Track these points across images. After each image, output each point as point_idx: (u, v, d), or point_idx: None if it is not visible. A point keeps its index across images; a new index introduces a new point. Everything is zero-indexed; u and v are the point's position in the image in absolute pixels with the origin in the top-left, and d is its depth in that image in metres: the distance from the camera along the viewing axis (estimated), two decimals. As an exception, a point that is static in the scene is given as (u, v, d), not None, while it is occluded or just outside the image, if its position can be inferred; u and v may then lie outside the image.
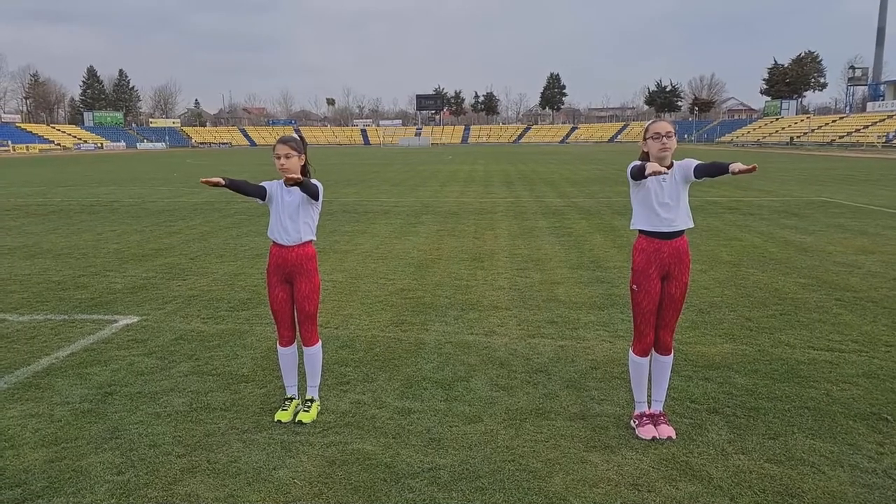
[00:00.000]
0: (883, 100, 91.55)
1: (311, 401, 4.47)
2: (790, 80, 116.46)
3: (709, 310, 6.82)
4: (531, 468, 3.70)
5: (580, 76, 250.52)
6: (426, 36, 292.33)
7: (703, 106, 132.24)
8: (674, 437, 4.03)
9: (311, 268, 4.29)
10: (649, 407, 4.21)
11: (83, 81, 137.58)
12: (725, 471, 3.65)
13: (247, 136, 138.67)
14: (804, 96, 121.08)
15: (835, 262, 9.16)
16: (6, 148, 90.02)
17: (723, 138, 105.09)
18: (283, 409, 4.40)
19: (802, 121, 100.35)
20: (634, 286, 4.06)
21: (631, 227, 4.11)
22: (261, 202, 4.29)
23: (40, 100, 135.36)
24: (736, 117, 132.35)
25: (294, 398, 4.51)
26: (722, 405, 4.49)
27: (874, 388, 4.76)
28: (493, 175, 30.20)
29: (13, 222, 14.64)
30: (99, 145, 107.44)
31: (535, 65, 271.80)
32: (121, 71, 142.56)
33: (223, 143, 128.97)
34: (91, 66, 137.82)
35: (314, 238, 4.31)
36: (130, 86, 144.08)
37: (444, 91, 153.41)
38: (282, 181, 4.26)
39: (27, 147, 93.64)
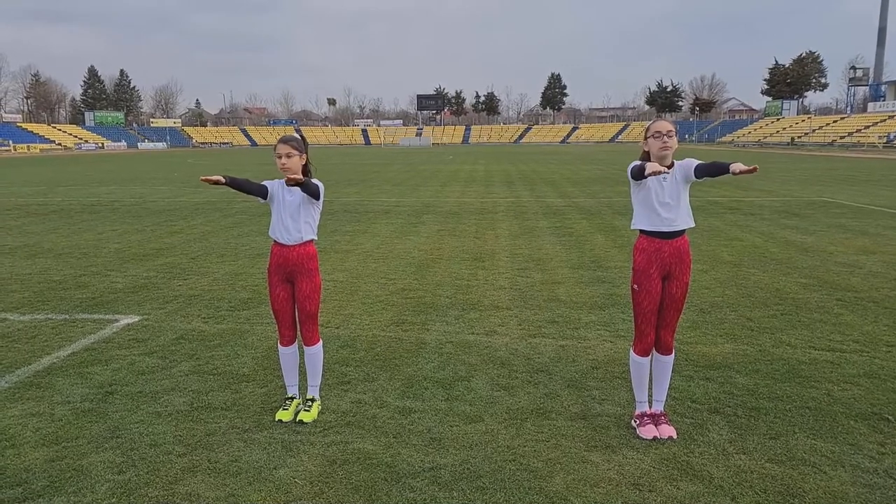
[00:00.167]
0: (884, 100, 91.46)
1: (312, 400, 4.47)
2: (791, 81, 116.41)
3: (710, 310, 6.82)
4: (532, 468, 3.70)
5: (581, 76, 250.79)
6: (427, 36, 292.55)
7: (703, 106, 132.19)
8: (675, 436, 4.02)
9: (312, 267, 4.29)
10: (650, 407, 4.21)
11: (84, 81, 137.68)
12: (726, 471, 3.64)
13: (248, 136, 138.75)
14: (805, 96, 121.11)
15: (836, 263, 9.16)
16: (7, 148, 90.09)
17: (723, 138, 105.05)
18: (284, 409, 4.40)
19: (803, 121, 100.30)
20: (635, 286, 4.06)
21: (632, 227, 4.11)
22: (262, 201, 4.30)
23: (41, 100, 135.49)
24: (737, 117, 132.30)
25: (295, 398, 4.51)
26: (723, 405, 4.49)
27: (875, 388, 4.76)
28: (493, 175, 30.20)
29: (14, 222, 14.65)
30: (100, 145, 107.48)
31: (536, 65, 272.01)
32: (122, 71, 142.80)
33: (224, 143, 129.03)
34: (92, 66, 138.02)
35: (315, 237, 4.31)
36: (131, 86, 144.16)
37: (445, 91, 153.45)
38: (283, 181, 4.26)
39: (28, 147, 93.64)
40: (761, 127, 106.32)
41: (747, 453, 3.83)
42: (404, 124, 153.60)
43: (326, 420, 4.35)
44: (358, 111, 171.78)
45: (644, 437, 4.03)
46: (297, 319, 4.43)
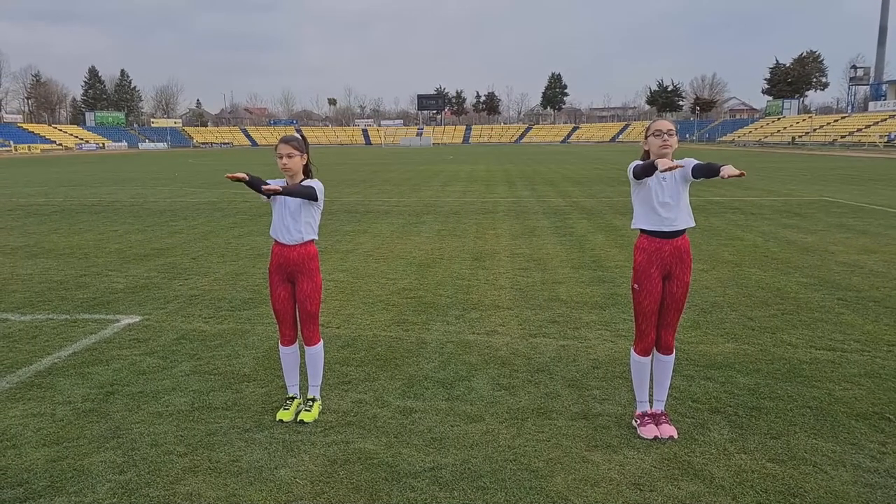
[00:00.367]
0: (885, 99, 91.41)
1: (313, 400, 4.47)
2: (792, 80, 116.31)
3: (710, 309, 6.82)
4: (533, 467, 3.70)
5: (581, 76, 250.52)
6: (427, 36, 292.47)
7: (704, 106, 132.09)
8: (675, 436, 4.02)
9: (312, 267, 4.29)
10: (651, 406, 4.21)
11: (85, 81, 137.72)
12: (727, 470, 3.64)
13: (248, 136, 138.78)
14: (806, 96, 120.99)
15: (837, 262, 9.15)
16: (8, 148, 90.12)
17: (724, 138, 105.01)
18: (285, 409, 4.40)
19: (804, 120, 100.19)
20: (636, 285, 4.06)
21: (632, 227, 4.11)
22: (265, 199, 4.29)
23: (42, 100, 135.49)
24: (737, 117, 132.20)
25: (296, 397, 4.51)
26: (724, 405, 4.49)
27: (876, 387, 4.75)
28: (494, 175, 30.20)
29: (15, 222, 14.66)
30: (101, 145, 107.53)
31: (537, 64, 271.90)
32: (122, 71, 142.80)
33: (225, 143, 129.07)
34: (93, 66, 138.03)
35: (316, 237, 4.31)
36: (132, 86, 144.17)
37: (446, 91, 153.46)
38: (284, 181, 4.27)
39: (29, 147, 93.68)
40: (762, 126, 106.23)
41: (748, 453, 3.83)
42: (405, 124, 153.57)
43: (327, 420, 4.35)
44: (358, 111, 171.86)
45: (645, 436, 4.03)
46: (297, 319, 4.43)
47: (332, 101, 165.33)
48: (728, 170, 3.50)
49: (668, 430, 4.05)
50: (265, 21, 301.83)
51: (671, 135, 3.89)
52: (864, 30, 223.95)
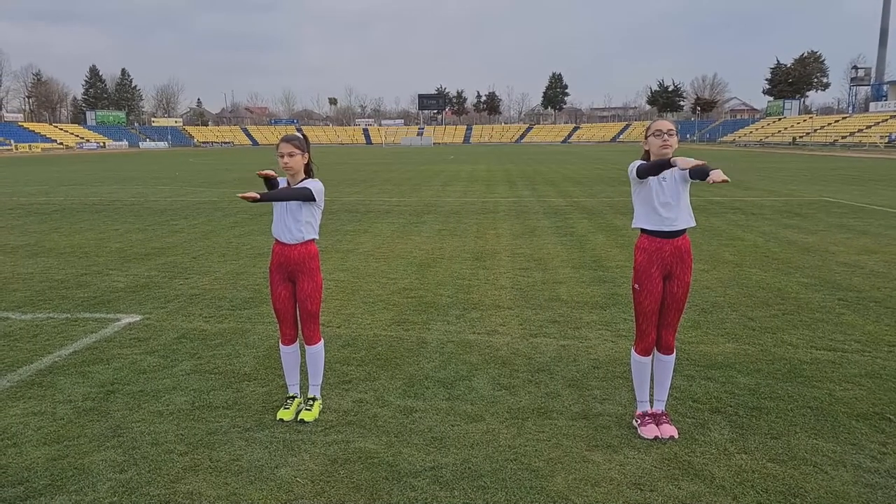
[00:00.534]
0: (886, 100, 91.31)
1: (314, 399, 4.47)
2: (793, 80, 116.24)
3: (711, 309, 6.82)
4: (533, 467, 3.70)
5: (581, 76, 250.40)
6: (428, 35, 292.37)
7: (705, 106, 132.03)
8: (676, 436, 4.02)
9: (313, 266, 4.29)
10: (651, 406, 4.21)
11: (85, 81, 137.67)
12: (728, 470, 3.64)
13: (249, 135, 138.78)
14: (807, 96, 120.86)
15: (837, 262, 9.15)
16: (9, 147, 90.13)
17: (725, 138, 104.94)
18: (286, 408, 4.40)
19: (805, 121, 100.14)
20: (636, 285, 4.06)
21: (632, 226, 4.11)
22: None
23: (43, 99, 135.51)
24: (738, 117, 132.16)
25: (296, 397, 4.52)
26: (724, 405, 4.49)
27: (877, 387, 4.75)
28: (495, 175, 30.20)
29: (16, 221, 14.67)
30: (101, 144, 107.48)
31: (537, 64, 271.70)
32: (123, 70, 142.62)
33: (225, 143, 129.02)
34: (93, 66, 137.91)
35: (316, 237, 4.31)
36: (133, 85, 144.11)
37: (447, 91, 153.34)
38: (285, 179, 4.27)
39: (30, 146, 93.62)
40: (763, 127, 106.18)
41: (749, 453, 3.83)
42: (406, 124, 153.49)
43: (328, 419, 4.35)
44: (359, 111, 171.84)
45: (645, 436, 4.03)
46: (298, 319, 4.43)
47: (333, 101, 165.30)
48: (716, 174, 3.54)
49: (669, 430, 4.05)
50: (265, 21, 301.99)
51: (671, 135, 3.90)
52: (864, 30, 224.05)
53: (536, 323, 6.45)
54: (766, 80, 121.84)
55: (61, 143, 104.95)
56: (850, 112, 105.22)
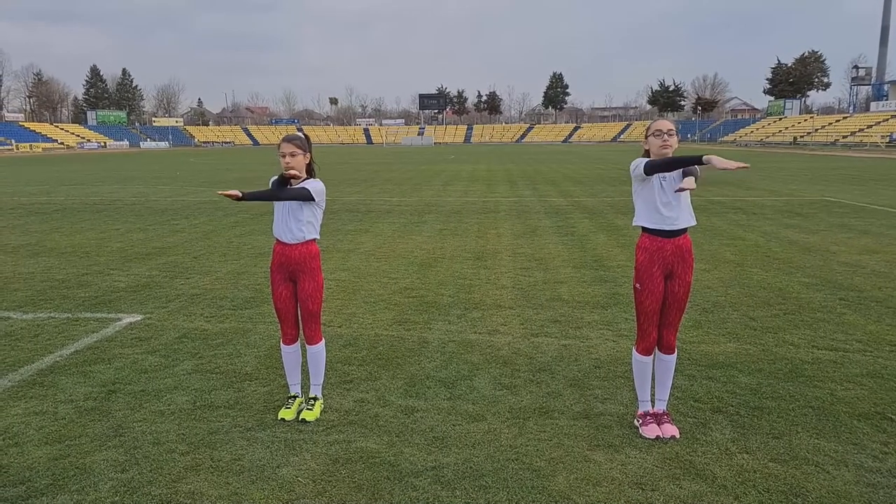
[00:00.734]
0: (887, 99, 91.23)
1: (315, 399, 4.47)
2: (793, 80, 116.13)
3: (712, 309, 6.81)
4: (534, 467, 3.70)
5: (582, 76, 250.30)
6: (429, 35, 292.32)
7: (706, 105, 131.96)
8: (677, 436, 4.02)
9: (314, 266, 4.29)
10: (653, 406, 4.21)
11: (86, 80, 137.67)
12: (729, 470, 3.64)
13: (250, 135, 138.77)
14: (808, 96, 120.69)
15: (839, 262, 9.14)
16: (10, 147, 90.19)
17: (726, 138, 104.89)
18: (287, 408, 4.40)
19: (806, 120, 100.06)
20: (638, 285, 4.06)
21: (633, 225, 4.11)
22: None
23: (44, 99, 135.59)
24: (739, 117, 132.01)
25: (297, 396, 4.52)
26: (726, 404, 4.49)
27: (878, 387, 4.75)
28: (495, 174, 30.19)
29: (17, 221, 14.68)
30: (102, 144, 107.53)
31: (537, 64, 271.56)
32: (124, 70, 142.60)
33: (226, 142, 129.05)
34: (94, 66, 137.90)
35: (317, 237, 4.31)
36: (133, 85, 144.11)
37: (447, 90, 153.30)
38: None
39: (31, 146, 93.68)
40: (764, 126, 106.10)
41: (750, 452, 3.83)
42: (406, 123, 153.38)
43: (329, 419, 4.35)
44: (360, 110, 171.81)
45: (647, 436, 4.03)
46: (299, 318, 4.43)
47: (334, 101, 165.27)
48: (687, 182, 3.74)
49: (670, 430, 4.05)
50: (265, 21, 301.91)
51: (671, 134, 3.90)
52: (865, 30, 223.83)
53: (538, 322, 6.44)
54: (767, 79, 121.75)
55: (62, 143, 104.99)
56: (850, 112, 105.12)
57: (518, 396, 4.69)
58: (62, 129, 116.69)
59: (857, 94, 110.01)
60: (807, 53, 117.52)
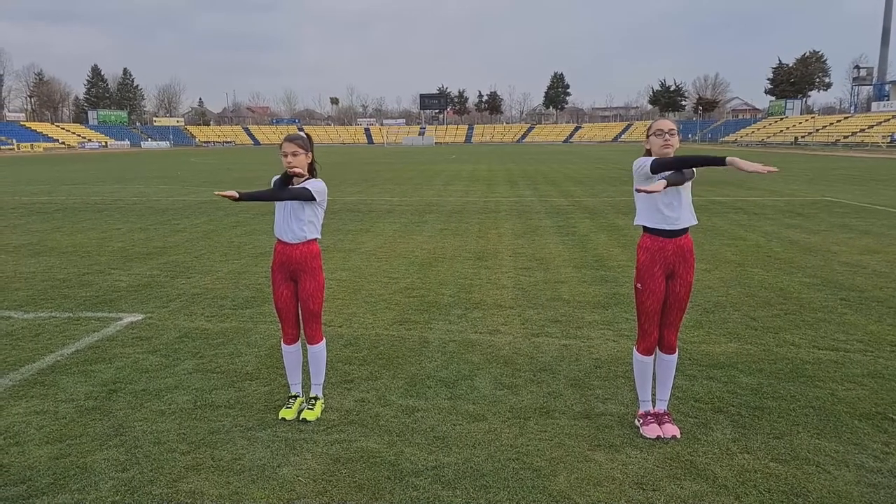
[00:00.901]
0: (888, 100, 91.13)
1: (316, 399, 4.47)
2: (795, 80, 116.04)
3: (713, 309, 6.81)
4: (535, 467, 3.70)
5: (582, 76, 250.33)
6: (429, 35, 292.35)
7: (707, 105, 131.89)
8: (678, 436, 4.02)
9: (315, 266, 4.29)
10: (654, 406, 4.21)
11: (87, 80, 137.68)
12: (730, 470, 3.64)
13: (251, 135, 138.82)
14: (809, 96, 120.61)
15: (840, 262, 9.14)
16: (11, 146, 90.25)
17: (727, 138, 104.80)
18: (287, 407, 4.40)
19: (807, 120, 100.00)
20: (639, 285, 4.06)
21: (634, 224, 4.11)
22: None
23: (45, 98, 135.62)
24: (740, 117, 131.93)
25: (298, 396, 4.52)
26: (727, 404, 4.49)
27: (879, 387, 4.74)
28: (496, 174, 30.19)
29: (18, 220, 14.69)
30: (103, 144, 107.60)
31: (537, 64, 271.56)
32: (125, 70, 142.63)
33: (227, 142, 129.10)
34: (95, 65, 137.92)
35: (319, 236, 4.31)
36: (135, 85, 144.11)
37: (448, 90, 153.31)
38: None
39: (32, 146, 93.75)
40: (765, 126, 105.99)
41: (751, 452, 3.82)
42: (407, 123, 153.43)
43: (330, 418, 4.35)
44: (361, 110, 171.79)
45: (647, 436, 4.03)
46: (300, 318, 4.43)
47: (335, 101, 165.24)
48: (657, 185, 3.70)
49: (671, 430, 4.05)
50: (265, 21, 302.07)
51: (673, 134, 3.90)
52: (866, 30, 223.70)
53: (538, 322, 6.44)
54: (768, 79, 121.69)
55: (63, 143, 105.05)
56: (852, 112, 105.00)
57: (519, 396, 4.68)
58: (63, 128, 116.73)
59: (858, 95, 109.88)
60: (808, 53, 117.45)
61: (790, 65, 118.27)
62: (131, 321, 6.58)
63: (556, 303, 7.15)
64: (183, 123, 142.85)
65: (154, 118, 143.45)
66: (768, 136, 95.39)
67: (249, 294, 7.65)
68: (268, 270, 6.90)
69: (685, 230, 3.98)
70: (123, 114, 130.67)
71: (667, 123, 3.94)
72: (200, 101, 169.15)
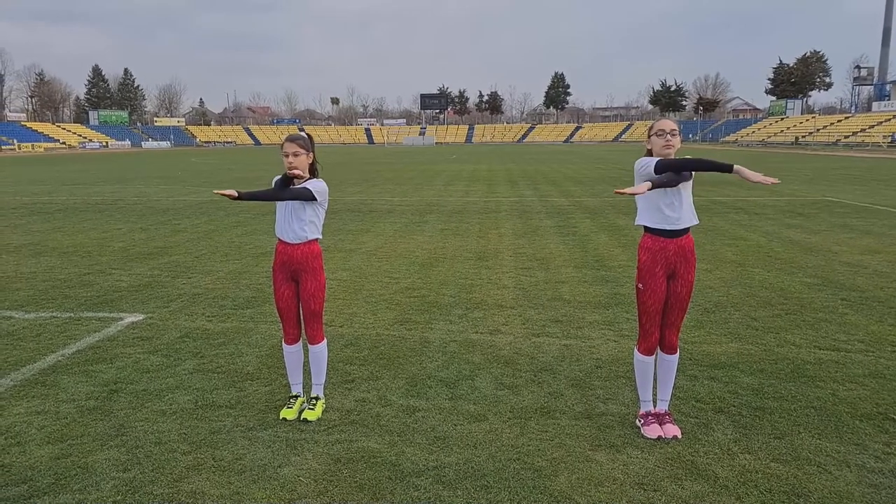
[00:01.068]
0: (888, 100, 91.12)
1: (316, 399, 4.47)
2: (795, 80, 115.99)
3: (714, 309, 6.81)
4: (536, 467, 3.70)
5: (582, 76, 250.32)
6: (430, 35, 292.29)
7: (707, 105, 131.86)
8: (679, 436, 4.02)
9: (316, 266, 4.29)
10: (655, 406, 4.21)
11: (88, 80, 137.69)
12: (731, 470, 3.64)
13: (251, 135, 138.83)
14: (809, 96, 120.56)
15: (841, 262, 9.13)
16: (12, 147, 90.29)
17: (727, 138, 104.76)
18: (288, 407, 4.40)
19: (808, 120, 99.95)
20: (640, 285, 4.06)
21: (635, 224, 4.11)
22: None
23: (46, 99, 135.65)
24: (741, 117, 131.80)
25: (299, 396, 4.52)
26: (727, 404, 4.48)
27: (880, 387, 4.74)
28: (497, 174, 30.18)
29: (19, 220, 14.70)
30: (104, 144, 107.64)
31: (537, 64, 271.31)
32: (126, 70, 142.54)
33: (228, 142, 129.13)
34: (96, 66, 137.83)
35: (320, 236, 4.31)
36: (135, 85, 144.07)
37: (449, 90, 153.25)
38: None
39: (33, 146, 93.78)
40: (765, 126, 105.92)
41: (752, 453, 3.82)
42: (408, 123, 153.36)
43: (330, 418, 4.35)
44: (361, 110, 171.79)
45: (648, 436, 4.03)
46: (301, 318, 4.43)
47: (336, 101, 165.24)
48: (641, 187, 3.74)
49: (672, 430, 4.04)
50: (265, 21, 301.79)
51: (674, 135, 3.90)
52: (867, 30, 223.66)
53: (539, 322, 6.44)
54: (769, 79, 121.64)
55: (64, 143, 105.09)
56: (852, 112, 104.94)
57: (519, 396, 4.68)
58: (64, 128, 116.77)
59: (858, 94, 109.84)
60: (808, 53, 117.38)
61: (791, 65, 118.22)
62: (132, 321, 6.59)
63: (556, 303, 7.15)
64: (184, 123, 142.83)
65: (155, 118, 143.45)
66: (769, 136, 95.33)
67: (250, 294, 7.65)
68: (268, 270, 6.90)
69: (686, 230, 3.98)
70: (124, 114, 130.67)
71: (668, 124, 3.93)
72: (201, 102, 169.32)
